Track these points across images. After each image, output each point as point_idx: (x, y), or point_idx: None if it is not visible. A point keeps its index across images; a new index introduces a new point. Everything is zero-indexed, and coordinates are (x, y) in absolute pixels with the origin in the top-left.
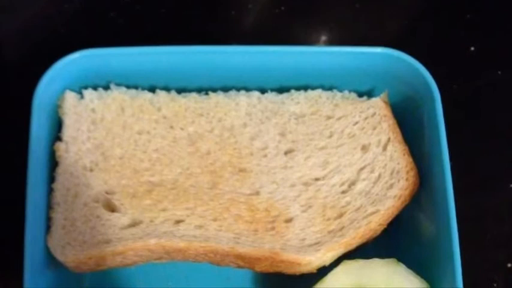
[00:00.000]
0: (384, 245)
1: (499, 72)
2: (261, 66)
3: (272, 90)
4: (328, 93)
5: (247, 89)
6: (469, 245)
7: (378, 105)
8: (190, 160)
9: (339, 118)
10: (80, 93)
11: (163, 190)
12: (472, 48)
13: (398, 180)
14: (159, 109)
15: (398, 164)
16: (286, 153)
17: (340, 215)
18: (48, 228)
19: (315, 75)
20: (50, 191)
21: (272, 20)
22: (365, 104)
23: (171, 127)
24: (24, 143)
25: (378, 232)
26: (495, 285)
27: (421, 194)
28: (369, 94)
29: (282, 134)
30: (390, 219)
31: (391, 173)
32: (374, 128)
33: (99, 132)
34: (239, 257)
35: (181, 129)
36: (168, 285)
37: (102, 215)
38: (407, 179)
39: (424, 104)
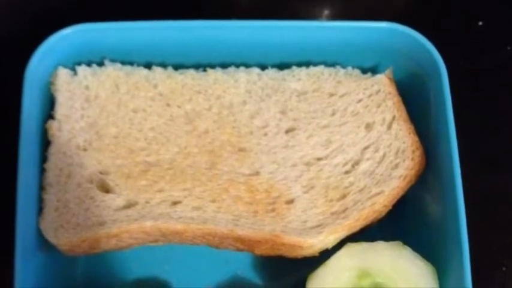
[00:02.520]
0: (388, 227)
1: (508, 48)
2: (261, 42)
3: (273, 66)
4: (331, 69)
5: (247, 66)
6: (477, 227)
7: (383, 82)
8: (187, 139)
9: (342, 95)
10: (73, 69)
11: (159, 170)
12: (480, 23)
13: (404, 160)
14: (155, 86)
15: (403, 143)
16: (287, 131)
17: (343, 196)
18: (40, 210)
19: (317, 51)
20: (42, 171)
21: None
22: (369, 80)
23: (168, 105)
24: (15, 121)
25: (383, 214)
26: (504, 269)
27: (427, 174)
28: (373, 70)
29: (283, 112)
30: (395, 200)
31: (396, 153)
32: (378, 106)
33: (93, 110)
34: (238, 239)
35: (178, 107)
36: (165, 268)
37: (96, 196)
38: (412, 159)
39: (430, 81)
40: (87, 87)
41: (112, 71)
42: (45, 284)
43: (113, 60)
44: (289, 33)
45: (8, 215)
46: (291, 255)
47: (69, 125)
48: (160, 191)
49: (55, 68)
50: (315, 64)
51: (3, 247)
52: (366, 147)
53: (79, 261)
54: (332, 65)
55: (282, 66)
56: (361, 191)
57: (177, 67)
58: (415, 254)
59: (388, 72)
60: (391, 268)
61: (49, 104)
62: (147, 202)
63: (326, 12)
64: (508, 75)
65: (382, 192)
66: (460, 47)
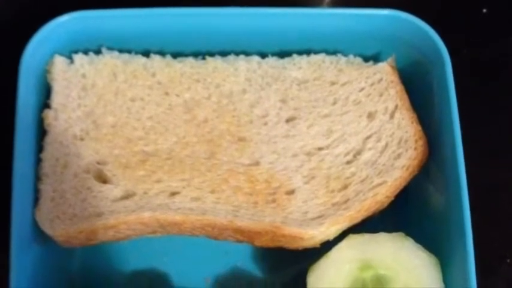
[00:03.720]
0: (391, 218)
1: None
2: (261, 29)
3: (273, 54)
4: (332, 57)
5: (247, 54)
6: (480, 218)
7: (385, 71)
8: (186, 128)
9: (344, 84)
10: (70, 57)
11: (157, 160)
12: (485, 11)
13: (407, 150)
14: (153, 74)
15: (406, 132)
16: (287, 121)
17: (345, 187)
18: (36, 200)
19: (318, 38)
20: (38, 161)
21: None
22: (371, 69)
23: (166, 93)
24: (11, 110)
25: (385, 205)
26: (508, 261)
27: (430, 164)
28: (375, 59)
29: (284, 101)
30: (398, 191)
31: (399, 142)
32: (381, 95)
33: (90, 99)
34: (238, 230)
35: (177, 95)
36: (163, 260)
37: (93, 187)
38: (415, 149)
39: (433, 69)
40: (84, 76)
41: (109, 59)
42: (41, 276)
43: (111, 48)
44: (290, 20)
45: (4, 206)
46: (291, 247)
47: (66, 114)
48: (158, 181)
49: (51, 56)
50: (316, 52)
51: None
52: (368, 137)
53: (76, 252)
54: (333, 53)
55: (283, 54)
56: (363, 181)
57: (175, 55)
58: (418, 245)
59: (390, 60)
60: (393, 260)
61: (45, 93)
62: (145, 193)
63: None
64: None
65: (384, 182)
66: (463, 34)
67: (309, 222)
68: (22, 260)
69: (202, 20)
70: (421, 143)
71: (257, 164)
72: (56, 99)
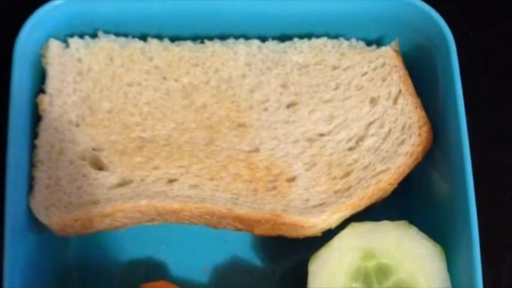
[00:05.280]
0: (394, 206)
1: None
2: (261, 13)
3: (273, 38)
4: (334, 41)
5: (247, 37)
6: (486, 207)
7: (388, 55)
8: (184, 114)
9: (346, 68)
10: (65, 41)
11: (155, 147)
12: None
13: (410, 136)
14: (150, 59)
15: (410, 118)
16: (288, 106)
17: (347, 174)
18: (30, 188)
19: (320, 22)
20: (33, 147)
21: None
22: (374, 53)
23: (164, 78)
24: (4, 95)
25: (388, 192)
26: None
27: (434, 150)
28: (378, 42)
29: (284, 86)
30: (401, 178)
31: (402, 128)
32: (384, 80)
33: (86, 84)
34: (237, 219)
35: (175, 80)
36: (161, 249)
37: (89, 174)
38: (419, 135)
39: (438, 54)
40: (79, 60)
41: (106, 43)
42: (36, 265)
43: (107, 32)
44: (291, 3)
45: None
46: (292, 236)
47: (61, 99)
48: (156, 168)
49: (46, 40)
50: (318, 36)
51: None
52: (371, 123)
53: (71, 241)
54: (335, 36)
55: (283, 38)
56: (365, 168)
57: (173, 39)
58: (422, 234)
59: (394, 44)
60: (397, 249)
61: (40, 78)
62: (142, 180)
63: None
64: None
65: (387, 169)
66: (468, 18)
67: (311, 210)
68: (16, 249)
69: (201, 3)
70: (425, 129)
71: (257, 150)
72: (51, 84)
